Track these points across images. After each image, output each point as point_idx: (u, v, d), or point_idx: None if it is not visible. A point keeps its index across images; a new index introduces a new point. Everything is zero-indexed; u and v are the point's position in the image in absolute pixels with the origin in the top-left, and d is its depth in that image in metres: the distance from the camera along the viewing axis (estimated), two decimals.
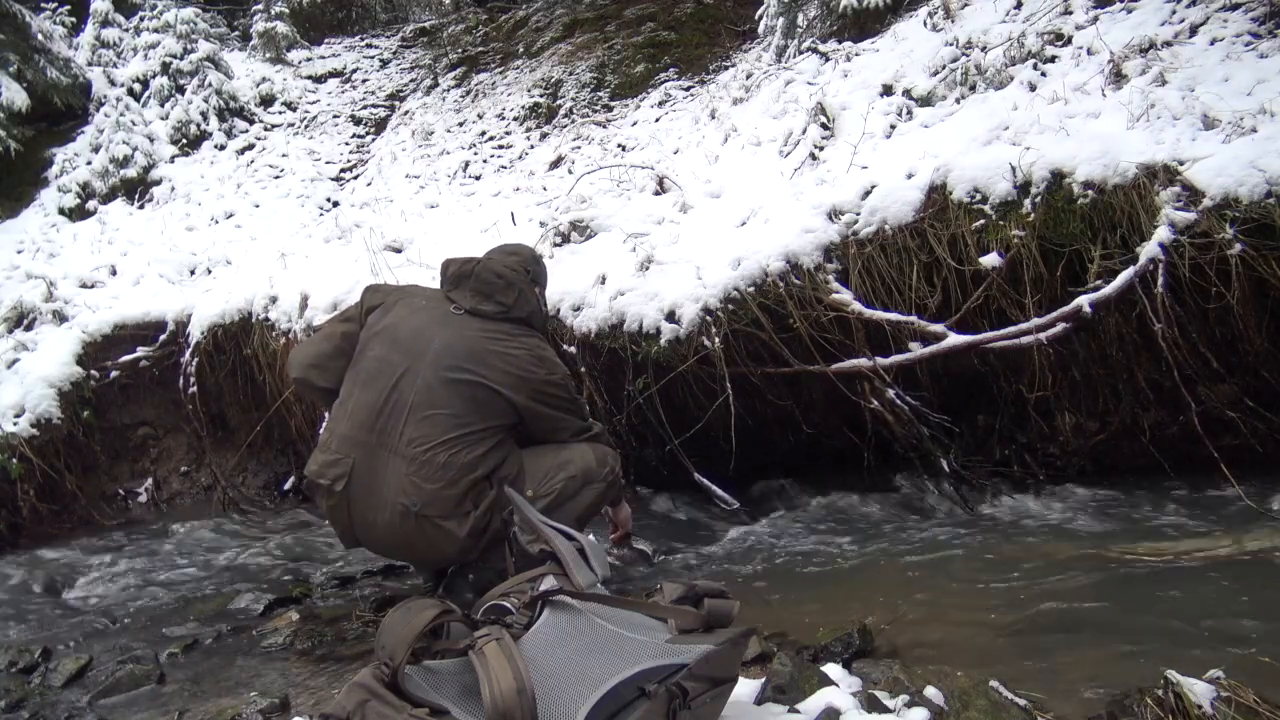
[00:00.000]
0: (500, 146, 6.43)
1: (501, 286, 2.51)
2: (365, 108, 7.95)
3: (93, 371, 4.66)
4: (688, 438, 3.41)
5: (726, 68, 6.19)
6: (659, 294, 3.39)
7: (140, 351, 4.80)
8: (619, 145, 5.56)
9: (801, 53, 5.11)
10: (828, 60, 4.76)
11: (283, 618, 2.68)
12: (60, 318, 4.89)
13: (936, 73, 3.95)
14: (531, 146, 6.28)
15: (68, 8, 8.31)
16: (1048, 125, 3.17)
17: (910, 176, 3.30)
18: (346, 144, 7.45)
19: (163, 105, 7.61)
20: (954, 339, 3.05)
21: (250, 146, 7.41)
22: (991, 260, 3.02)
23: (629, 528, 2.89)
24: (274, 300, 4.48)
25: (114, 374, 4.74)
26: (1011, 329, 2.98)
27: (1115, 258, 2.85)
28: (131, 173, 6.90)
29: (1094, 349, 3.06)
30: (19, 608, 3.16)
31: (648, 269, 3.51)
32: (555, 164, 5.72)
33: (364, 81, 8.47)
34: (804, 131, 4.02)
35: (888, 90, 4.07)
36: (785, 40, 5.40)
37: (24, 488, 4.21)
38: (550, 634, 1.38)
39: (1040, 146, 3.06)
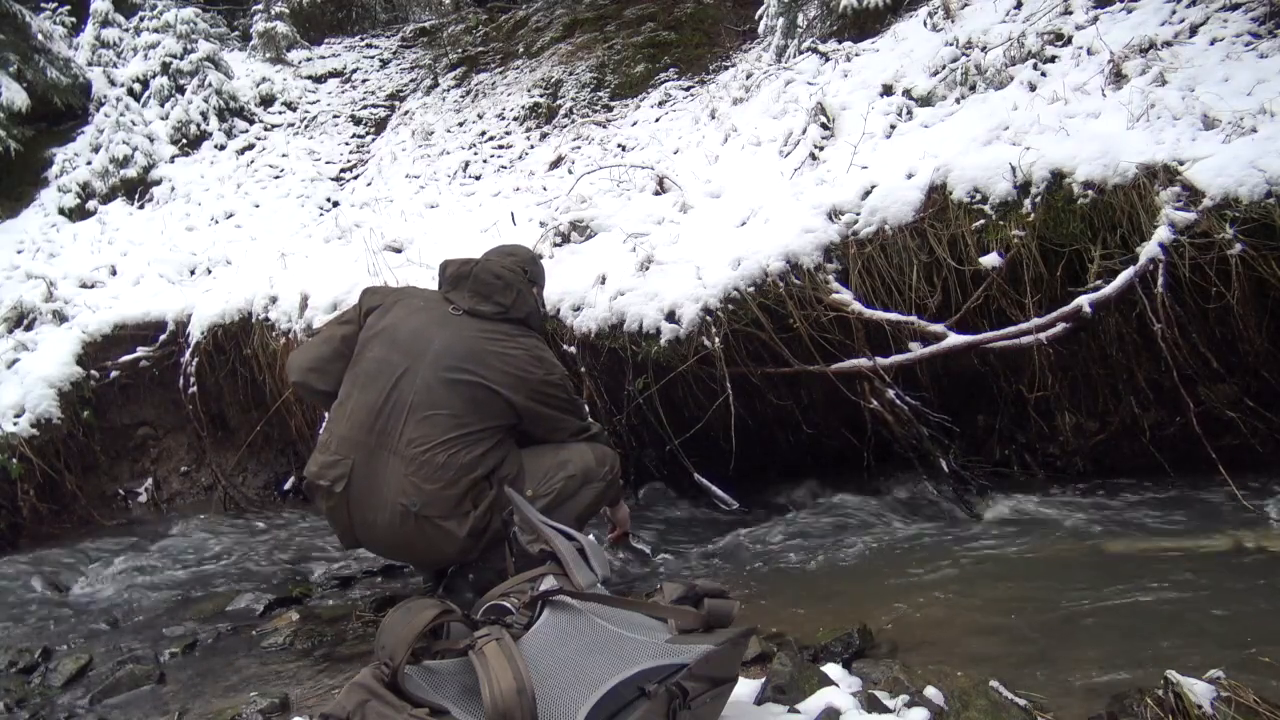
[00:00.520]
0: (500, 146, 6.43)
1: (500, 287, 2.51)
2: (365, 108, 7.94)
3: (93, 371, 4.67)
4: (688, 438, 3.41)
5: (726, 68, 6.19)
6: (659, 294, 3.39)
7: (140, 351, 4.81)
8: (619, 145, 5.56)
9: (801, 53, 5.11)
10: (828, 60, 4.76)
11: (283, 618, 2.68)
12: (60, 318, 4.89)
13: (936, 73, 3.95)
14: (531, 146, 6.28)
15: (68, 8, 8.30)
16: (1048, 125, 3.17)
17: (910, 176, 3.30)
18: (346, 144, 7.45)
19: (163, 105, 7.61)
20: (954, 339, 3.06)
21: (250, 146, 7.41)
22: (991, 260, 3.02)
23: (628, 527, 2.90)
24: (274, 300, 4.48)
25: (114, 374, 4.74)
26: (1011, 329, 2.98)
27: (1115, 258, 2.86)
28: (131, 173, 6.90)
29: (1094, 349, 3.06)
30: (19, 608, 3.16)
31: (648, 269, 3.51)
32: (555, 164, 5.72)
33: (364, 81, 8.47)
34: (804, 131, 4.02)
35: (888, 90, 4.07)
36: (785, 40, 5.40)
37: (24, 488, 4.22)
38: (550, 634, 1.38)
39: (1040, 146, 3.06)
